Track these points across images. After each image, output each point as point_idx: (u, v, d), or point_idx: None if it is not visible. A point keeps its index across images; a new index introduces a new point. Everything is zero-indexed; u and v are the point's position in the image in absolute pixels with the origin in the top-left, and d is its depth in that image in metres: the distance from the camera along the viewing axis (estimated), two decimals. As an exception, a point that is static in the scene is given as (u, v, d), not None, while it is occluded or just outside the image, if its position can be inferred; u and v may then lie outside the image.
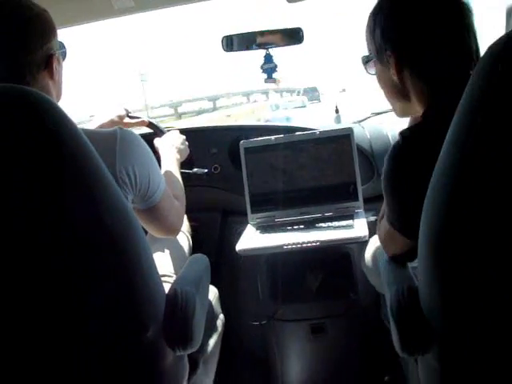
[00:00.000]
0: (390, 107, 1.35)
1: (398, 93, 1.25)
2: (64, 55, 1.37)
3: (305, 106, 23.97)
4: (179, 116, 55.32)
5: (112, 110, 1.69)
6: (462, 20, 1.16)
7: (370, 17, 1.25)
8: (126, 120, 1.74)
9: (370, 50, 1.29)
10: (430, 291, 0.92)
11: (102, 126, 1.60)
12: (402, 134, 1.14)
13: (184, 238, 1.81)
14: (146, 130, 1.94)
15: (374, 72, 1.30)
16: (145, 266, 1.05)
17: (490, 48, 0.77)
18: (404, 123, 1.37)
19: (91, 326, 0.97)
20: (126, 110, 1.75)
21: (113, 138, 1.15)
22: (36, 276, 0.91)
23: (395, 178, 1.16)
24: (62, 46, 1.33)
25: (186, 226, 1.89)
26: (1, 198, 0.87)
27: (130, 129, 1.50)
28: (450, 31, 1.15)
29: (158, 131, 1.89)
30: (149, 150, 1.29)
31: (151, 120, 1.89)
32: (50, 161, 0.88)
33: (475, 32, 1.17)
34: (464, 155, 0.80)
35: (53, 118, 0.89)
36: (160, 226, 1.42)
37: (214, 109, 58.61)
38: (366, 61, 1.31)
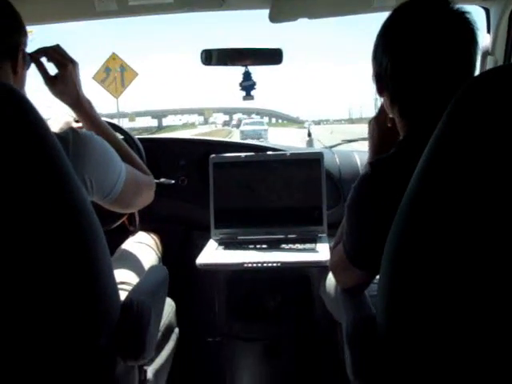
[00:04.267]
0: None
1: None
2: (28, 64, 1.30)
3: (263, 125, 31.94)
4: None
5: (59, 119, 1.62)
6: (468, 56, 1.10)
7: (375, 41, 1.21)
8: (75, 125, 1.64)
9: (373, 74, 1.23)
10: (389, 321, 0.92)
11: None
12: (371, 164, 1.14)
13: (148, 248, 1.79)
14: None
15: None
16: (102, 270, 1.03)
17: (463, 89, 0.78)
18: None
19: (42, 325, 0.94)
20: (73, 117, 1.69)
21: (65, 143, 1.10)
22: None
23: (360, 206, 1.16)
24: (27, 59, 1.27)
25: (151, 238, 1.87)
26: None
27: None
28: (447, 73, 1.09)
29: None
30: (104, 145, 1.22)
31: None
32: (30, 159, 0.89)
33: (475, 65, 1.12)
34: (430, 189, 0.81)
35: (34, 118, 0.90)
36: (132, 208, 1.53)
37: (160, 128, 56.96)
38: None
